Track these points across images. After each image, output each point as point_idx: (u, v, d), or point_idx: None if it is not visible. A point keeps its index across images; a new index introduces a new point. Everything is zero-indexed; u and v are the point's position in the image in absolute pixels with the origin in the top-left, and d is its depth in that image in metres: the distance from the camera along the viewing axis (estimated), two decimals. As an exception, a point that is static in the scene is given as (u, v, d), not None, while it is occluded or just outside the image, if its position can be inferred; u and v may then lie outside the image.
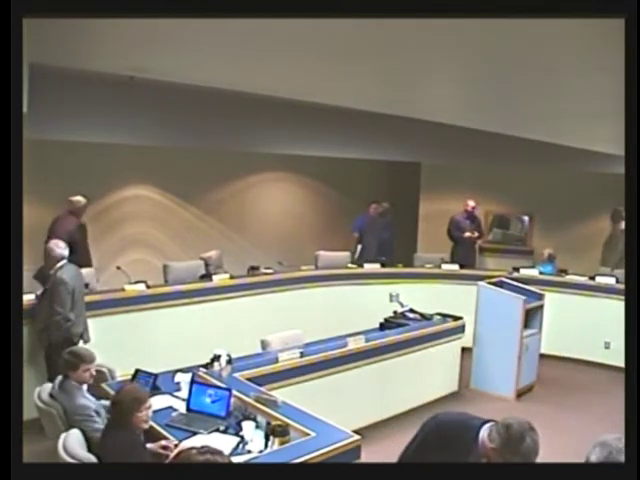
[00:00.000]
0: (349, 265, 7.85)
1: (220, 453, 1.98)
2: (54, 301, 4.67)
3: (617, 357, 5.53)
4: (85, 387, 3.71)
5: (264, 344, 4.88)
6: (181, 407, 3.76)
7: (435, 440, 2.44)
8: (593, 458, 2.00)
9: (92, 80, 5.46)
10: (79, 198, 6.70)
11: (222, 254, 7.26)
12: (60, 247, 4.89)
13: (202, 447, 2.01)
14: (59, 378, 3.71)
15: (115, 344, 5.23)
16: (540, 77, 2.86)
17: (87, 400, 3.59)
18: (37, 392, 3.67)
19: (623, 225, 8.28)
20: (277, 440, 3.20)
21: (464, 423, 2.46)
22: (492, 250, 9.86)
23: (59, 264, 4.83)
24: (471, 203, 8.95)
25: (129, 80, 5.07)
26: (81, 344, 4.78)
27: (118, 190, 8.16)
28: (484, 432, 2.35)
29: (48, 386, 3.73)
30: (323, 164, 9.37)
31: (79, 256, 6.19)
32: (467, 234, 8.89)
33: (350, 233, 9.07)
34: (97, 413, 3.52)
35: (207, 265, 6.91)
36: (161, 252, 8.32)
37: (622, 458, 1.95)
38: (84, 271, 5.89)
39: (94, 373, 3.72)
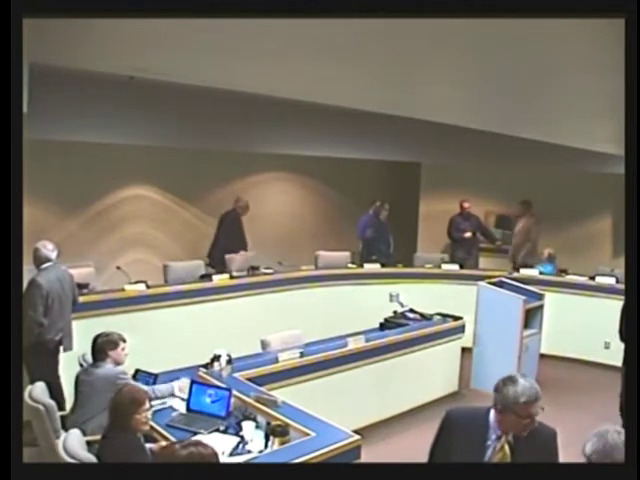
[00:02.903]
0: (349, 265, 7.86)
1: (203, 444, 1.98)
2: (27, 304, 4.51)
3: (617, 357, 5.52)
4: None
5: (264, 344, 4.88)
6: (181, 407, 3.76)
7: (452, 431, 2.55)
8: (588, 446, 2.04)
9: (92, 80, 5.45)
10: (242, 197, 8.33)
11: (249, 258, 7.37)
12: (47, 248, 4.75)
13: (183, 441, 2.02)
14: (89, 362, 4.00)
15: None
16: (540, 77, 2.86)
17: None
18: (28, 391, 3.62)
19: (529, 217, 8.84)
20: (277, 440, 3.20)
21: (473, 410, 2.62)
22: (492, 250, 9.85)
23: (43, 266, 4.70)
24: (465, 204, 9.16)
25: (129, 80, 5.06)
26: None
27: (118, 190, 8.16)
28: (492, 411, 2.48)
29: (39, 385, 3.73)
30: (323, 164, 9.36)
31: (239, 243, 7.93)
32: (468, 234, 9.04)
33: (350, 233, 9.13)
34: None
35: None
36: (161, 252, 8.31)
37: (616, 454, 1.96)
38: (84, 271, 5.89)
39: (127, 354, 4.02)
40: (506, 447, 2.44)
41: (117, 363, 3.93)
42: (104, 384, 3.77)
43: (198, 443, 1.98)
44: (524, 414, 2.37)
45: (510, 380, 2.42)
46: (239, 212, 8.26)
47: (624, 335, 5.06)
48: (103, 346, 3.90)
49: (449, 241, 9.38)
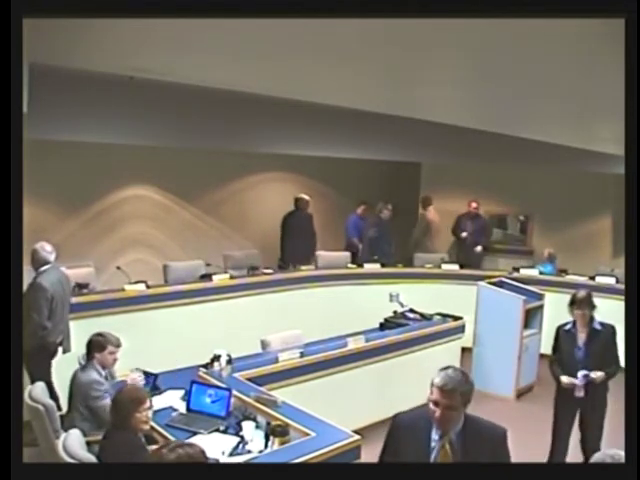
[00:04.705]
0: (349, 265, 7.86)
1: (190, 444, 1.98)
2: (30, 307, 4.45)
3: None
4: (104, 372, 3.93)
5: (264, 344, 4.88)
6: (181, 407, 3.76)
7: (400, 436, 2.52)
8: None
9: (92, 80, 5.45)
10: (303, 196, 8.66)
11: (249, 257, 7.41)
12: (46, 250, 4.72)
13: (171, 443, 2.01)
14: (83, 360, 3.94)
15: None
16: (540, 77, 2.86)
17: (100, 378, 3.83)
18: (27, 391, 3.63)
19: (430, 210, 9.38)
20: (277, 440, 3.20)
21: (418, 412, 2.56)
22: (492, 250, 9.87)
23: (43, 268, 4.67)
24: (472, 204, 9.20)
25: (129, 80, 5.06)
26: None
27: (118, 190, 8.15)
28: None
29: (39, 384, 3.73)
30: (323, 164, 9.36)
31: (308, 241, 8.27)
32: (464, 234, 9.16)
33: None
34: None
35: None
36: (161, 252, 8.31)
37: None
38: (84, 271, 5.89)
39: (117, 358, 3.94)
40: (447, 446, 2.41)
41: (103, 366, 3.90)
42: (81, 392, 3.79)
43: (184, 444, 1.99)
44: (430, 397, 2.39)
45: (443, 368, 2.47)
46: (302, 210, 8.49)
47: (553, 365, 4.37)
48: (91, 346, 3.91)
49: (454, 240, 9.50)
